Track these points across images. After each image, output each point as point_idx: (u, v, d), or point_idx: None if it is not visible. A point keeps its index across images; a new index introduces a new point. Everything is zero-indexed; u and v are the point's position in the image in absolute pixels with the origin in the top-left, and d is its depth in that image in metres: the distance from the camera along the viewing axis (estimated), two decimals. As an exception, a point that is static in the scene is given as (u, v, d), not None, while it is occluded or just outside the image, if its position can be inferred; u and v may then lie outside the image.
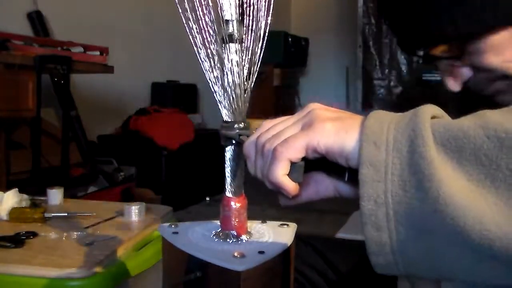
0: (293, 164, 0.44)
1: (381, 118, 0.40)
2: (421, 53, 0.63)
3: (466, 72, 0.61)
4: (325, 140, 0.42)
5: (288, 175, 0.44)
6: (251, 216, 0.54)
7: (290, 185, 0.44)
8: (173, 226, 0.54)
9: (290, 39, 4.55)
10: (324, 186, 0.50)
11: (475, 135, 0.35)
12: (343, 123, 0.42)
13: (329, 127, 0.42)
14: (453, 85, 0.62)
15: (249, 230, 0.53)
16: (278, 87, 4.56)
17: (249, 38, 0.50)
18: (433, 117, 0.39)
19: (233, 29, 0.48)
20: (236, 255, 0.45)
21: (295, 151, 0.43)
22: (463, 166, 0.35)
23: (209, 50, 0.49)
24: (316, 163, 0.45)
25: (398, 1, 0.61)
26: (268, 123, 0.47)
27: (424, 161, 0.35)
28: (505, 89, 0.60)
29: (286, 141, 0.43)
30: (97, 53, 2.25)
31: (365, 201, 0.37)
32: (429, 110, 0.39)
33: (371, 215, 0.37)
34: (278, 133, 0.45)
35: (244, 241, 0.51)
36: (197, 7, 0.48)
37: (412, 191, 0.36)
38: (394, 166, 0.37)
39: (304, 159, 0.44)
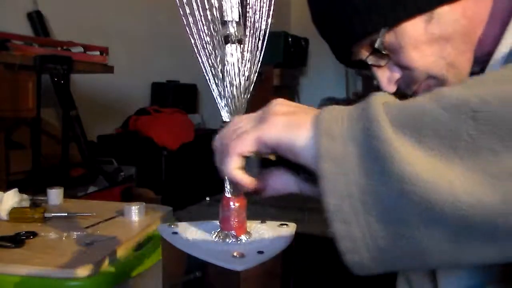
0: (247, 158, 0.44)
1: (335, 111, 0.40)
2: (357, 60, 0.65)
3: (395, 71, 0.63)
4: (274, 134, 0.41)
5: (243, 169, 0.45)
6: (251, 216, 0.54)
7: (244, 179, 0.45)
8: (172, 226, 0.54)
9: (290, 39, 4.54)
10: (284, 182, 0.49)
11: (430, 108, 0.35)
12: (295, 117, 0.41)
13: (280, 121, 0.41)
14: (387, 86, 0.64)
15: (248, 230, 0.53)
16: (278, 87, 4.55)
17: (249, 38, 0.50)
18: (384, 103, 0.38)
19: (233, 30, 0.48)
20: (235, 255, 0.45)
21: (246, 146, 0.43)
22: (424, 143, 0.34)
23: (209, 51, 0.50)
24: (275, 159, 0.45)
25: (322, 8, 0.64)
26: (237, 119, 0.47)
27: (382, 143, 0.34)
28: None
29: (238, 135, 0.44)
30: (97, 53, 2.25)
31: (329, 196, 0.36)
32: (380, 97, 0.39)
33: (337, 210, 0.36)
34: (235, 128, 0.45)
35: (243, 241, 0.51)
36: (197, 7, 0.48)
37: (376, 177, 0.34)
38: (352, 155, 0.36)
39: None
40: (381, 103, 0.37)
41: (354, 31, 0.61)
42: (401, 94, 0.66)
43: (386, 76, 0.64)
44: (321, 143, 0.37)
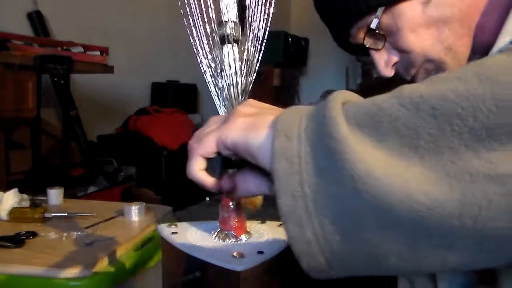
0: (209, 159, 0.44)
1: (296, 111, 0.38)
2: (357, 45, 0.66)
3: (393, 54, 0.64)
4: (232, 135, 0.41)
5: (206, 170, 0.45)
6: (251, 216, 0.54)
7: (207, 180, 0.45)
8: (172, 226, 0.54)
9: (290, 39, 4.54)
10: (256, 183, 0.48)
11: (389, 106, 0.33)
12: (255, 118, 0.41)
13: (240, 122, 0.41)
14: (384, 70, 0.65)
15: (248, 230, 0.53)
16: (278, 87, 4.55)
17: (247, 38, 0.50)
18: (346, 102, 0.37)
19: (232, 30, 0.48)
20: (235, 255, 0.45)
21: (206, 147, 0.43)
22: (383, 142, 0.33)
23: (207, 51, 0.50)
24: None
25: None
26: (209, 120, 0.47)
27: (335, 141, 0.33)
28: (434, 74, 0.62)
29: (200, 137, 0.44)
30: (97, 53, 2.25)
31: (282, 197, 0.35)
32: (341, 95, 0.37)
33: (290, 211, 0.34)
34: (202, 130, 0.45)
35: (243, 241, 0.51)
36: (196, 7, 0.48)
37: (328, 176, 0.33)
38: (306, 154, 0.34)
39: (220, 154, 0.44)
40: (340, 101, 0.36)
41: (351, 12, 0.62)
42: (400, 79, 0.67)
43: (384, 59, 0.65)
44: (276, 143, 0.36)
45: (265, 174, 0.46)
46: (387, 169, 0.31)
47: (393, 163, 0.32)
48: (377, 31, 0.61)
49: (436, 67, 0.62)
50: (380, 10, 0.60)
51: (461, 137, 0.31)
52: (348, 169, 0.32)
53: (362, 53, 0.67)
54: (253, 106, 0.43)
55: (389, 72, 0.65)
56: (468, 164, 0.30)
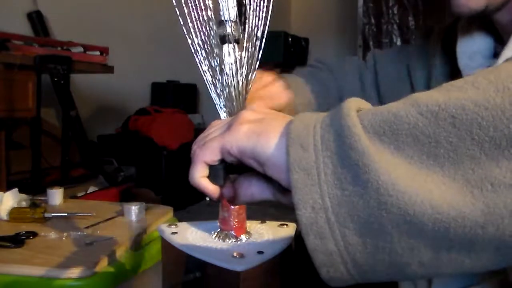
0: (212, 166, 0.44)
1: (306, 119, 0.38)
2: None
3: None
4: (238, 142, 0.40)
5: (209, 177, 0.44)
6: (251, 216, 0.54)
7: (209, 187, 0.44)
8: (172, 226, 0.54)
9: (290, 39, 4.54)
10: (259, 189, 0.47)
11: (407, 114, 0.33)
12: (261, 125, 0.40)
13: (245, 129, 0.40)
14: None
15: (248, 230, 0.53)
16: (278, 87, 4.55)
17: (247, 38, 0.50)
18: (359, 110, 0.37)
19: (231, 30, 0.48)
20: (235, 255, 0.45)
21: (210, 154, 0.42)
22: (402, 151, 0.32)
23: (206, 51, 0.49)
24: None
25: None
26: (212, 124, 0.47)
27: (356, 152, 0.32)
28: None
29: (204, 143, 0.43)
30: (97, 53, 2.25)
31: (301, 209, 0.34)
32: (353, 103, 0.37)
33: (311, 223, 0.34)
34: (206, 135, 0.44)
35: (243, 241, 0.51)
36: (193, 7, 0.48)
37: (350, 188, 0.33)
38: (325, 165, 0.34)
39: (224, 161, 0.43)
40: (354, 108, 0.36)
41: None
42: None
43: None
44: (292, 153, 0.35)
45: (269, 180, 0.46)
46: (409, 180, 0.32)
47: (414, 172, 0.32)
48: None
49: None
50: None
51: (482, 146, 0.31)
52: (373, 182, 0.32)
53: None
54: (256, 111, 0.43)
55: None
56: (489, 173, 0.30)
